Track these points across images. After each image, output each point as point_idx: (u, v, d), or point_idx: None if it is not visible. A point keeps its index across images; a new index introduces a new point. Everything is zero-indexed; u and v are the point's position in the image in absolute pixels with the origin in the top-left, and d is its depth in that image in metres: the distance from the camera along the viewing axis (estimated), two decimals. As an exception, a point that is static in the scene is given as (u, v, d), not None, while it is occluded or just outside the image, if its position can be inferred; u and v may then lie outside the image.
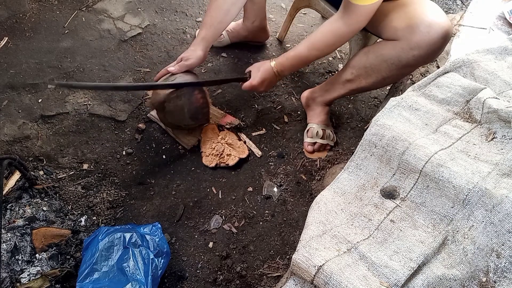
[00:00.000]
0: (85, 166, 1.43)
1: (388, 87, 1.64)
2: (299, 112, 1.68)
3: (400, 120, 0.94)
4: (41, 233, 1.13)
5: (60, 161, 1.43)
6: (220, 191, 1.44)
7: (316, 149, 1.55)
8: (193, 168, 1.48)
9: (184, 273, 1.25)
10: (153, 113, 1.56)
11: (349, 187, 0.93)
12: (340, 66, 1.90)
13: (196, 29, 1.89)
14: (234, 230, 1.35)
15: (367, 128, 0.96)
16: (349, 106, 1.76)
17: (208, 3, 1.35)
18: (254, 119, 1.64)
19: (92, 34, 1.82)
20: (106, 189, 1.38)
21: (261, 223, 1.38)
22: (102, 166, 1.44)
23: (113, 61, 1.74)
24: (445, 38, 1.13)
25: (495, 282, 0.70)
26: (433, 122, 0.95)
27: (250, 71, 1.44)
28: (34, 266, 1.08)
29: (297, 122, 1.65)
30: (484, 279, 0.72)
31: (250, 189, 1.45)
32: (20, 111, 1.52)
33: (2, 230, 1.05)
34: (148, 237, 1.13)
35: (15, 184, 1.20)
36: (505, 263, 0.70)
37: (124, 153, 1.49)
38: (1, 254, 0.98)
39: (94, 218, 1.31)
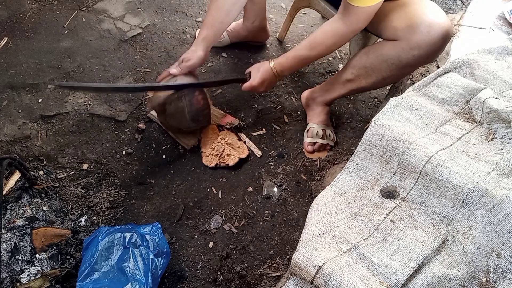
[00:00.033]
0: (85, 166, 1.43)
1: (388, 87, 1.64)
2: (299, 112, 1.68)
3: (400, 120, 0.94)
4: (41, 233, 1.13)
5: (60, 161, 1.43)
6: (220, 191, 1.44)
7: (316, 149, 1.55)
8: (193, 168, 1.48)
9: (184, 273, 1.25)
10: (153, 112, 1.56)
11: (349, 187, 0.93)
12: (340, 66, 1.90)
13: (196, 29, 1.89)
14: (234, 230, 1.35)
15: (367, 128, 0.96)
16: (349, 106, 1.76)
17: (209, 4, 1.35)
18: (254, 119, 1.64)
19: (92, 34, 1.82)
20: (106, 189, 1.38)
21: (261, 223, 1.38)
22: (102, 166, 1.44)
23: (113, 61, 1.74)
24: (445, 38, 1.13)
25: (495, 282, 0.70)
26: (433, 122, 0.95)
27: (250, 72, 1.44)
28: (34, 266, 1.08)
29: (297, 122, 1.65)
30: (484, 279, 0.72)
31: (250, 189, 1.45)
32: (20, 111, 1.52)
33: (2, 230, 1.05)
34: (148, 237, 1.13)
35: (15, 184, 1.20)
36: (505, 263, 0.70)
37: (124, 153, 1.49)
38: (1, 254, 0.98)
39: (94, 218, 1.31)
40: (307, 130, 1.57)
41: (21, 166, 1.17)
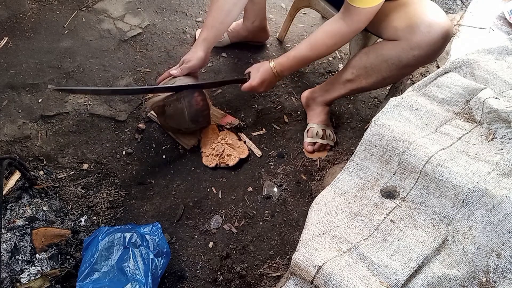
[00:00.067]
0: (85, 166, 1.43)
1: (388, 87, 1.64)
2: (299, 112, 1.68)
3: (400, 120, 0.94)
4: (41, 233, 1.13)
5: (60, 161, 1.43)
6: (220, 191, 1.44)
7: (316, 149, 1.55)
8: (193, 168, 1.48)
9: (184, 273, 1.25)
10: (153, 112, 1.56)
11: (349, 187, 0.93)
12: (340, 66, 1.90)
13: (196, 29, 1.89)
14: (234, 230, 1.35)
15: (367, 128, 0.96)
16: (349, 106, 1.76)
17: (209, 4, 1.35)
18: (254, 119, 1.64)
19: (92, 34, 1.82)
20: (106, 189, 1.38)
21: (261, 223, 1.38)
22: (102, 166, 1.44)
23: (113, 61, 1.74)
24: (446, 38, 1.13)
25: (495, 282, 0.70)
26: (433, 122, 0.95)
27: (250, 72, 1.44)
28: (34, 266, 1.08)
29: (297, 122, 1.65)
30: (484, 279, 0.72)
31: (250, 189, 1.45)
32: (20, 111, 1.52)
33: (2, 230, 1.05)
34: (148, 237, 1.13)
35: (15, 184, 1.20)
36: (505, 263, 0.70)
37: (124, 153, 1.49)
38: (1, 254, 0.98)
39: (94, 218, 1.31)
40: (307, 130, 1.57)
41: (21, 166, 1.17)
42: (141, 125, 1.56)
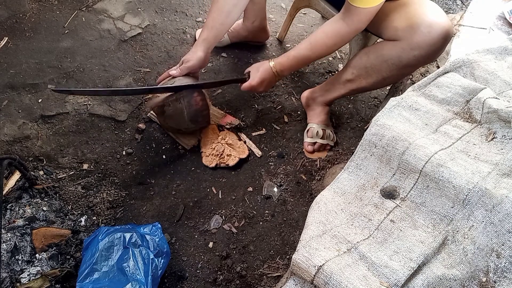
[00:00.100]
0: (85, 166, 1.43)
1: (388, 87, 1.64)
2: (299, 112, 1.68)
3: (400, 120, 0.94)
4: (41, 233, 1.13)
5: (60, 161, 1.43)
6: (220, 191, 1.44)
7: (316, 149, 1.55)
8: (193, 168, 1.48)
9: (184, 273, 1.25)
10: (153, 112, 1.56)
11: (349, 187, 0.93)
12: (340, 66, 1.90)
13: (196, 29, 1.89)
14: (234, 230, 1.35)
15: (367, 128, 0.96)
16: (349, 106, 1.76)
17: (210, 5, 1.35)
18: (254, 119, 1.64)
19: (92, 34, 1.82)
20: (106, 189, 1.38)
21: (261, 223, 1.38)
22: (102, 166, 1.44)
23: (113, 61, 1.74)
24: (446, 38, 1.13)
25: (495, 282, 0.70)
26: (433, 122, 0.95)
27: (249, 72, 1.44)
28: (34, 266, 1.08)
29: (297, 122, 1.65)
30: (484, 279, 0.72)
31: (250, 189, 1.45)
32: (20, 111, 1.52)
33: (2, 230, 1.05)
34: (148, 237, 1.13)
35: (15, 184, 1.20)
36: (505, 263, 0.70)
37: (124, 153, 1.49)
38: (1, 254, 0.98)
39: (94, 218, 1.31)
40: (307, 130, 1.57)
41: (21, 166, 1.17)
42: (141, 125, 1.56)
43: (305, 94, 1.61)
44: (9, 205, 1.17)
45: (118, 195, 1.38)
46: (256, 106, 1.68)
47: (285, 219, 1.39)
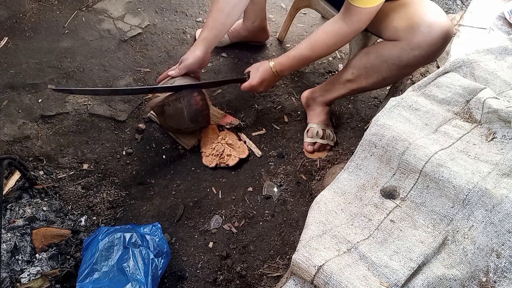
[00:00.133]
0: (85, 166, 1.43)
1: (388, 87, 1.64)
2: (299, 112, 1.68)
3: (400, 120, 0.94)
4: (41, 233, 1.13)
5: (60, 161, 1.43)
6: (220, 191, 1.44)
7: (316, 149, 1.55)
8: (193, 168, 1.48)
9: (184, 273, 1.25)
10: (153, 112, 1.56)
11: (349, 187, 0.93)
12: (340, 66, 1.90)
13: (196, 29, 1.89)
14: (234, 230, 1.35)
15: (367, 128, 0.96)
16: (349, 106, 1.76)
17: (210, 5, 1.35)
18: (254, 119, 1.64)
19: (92, 34, 1.82)
20: (106, 189, 1.38)
21: (261, 223, 1.38)
22: (102, 166, 1.44)
23: (113, 61, 1.74)
24: (446, 38, 1.13)
25: (495, 282, 0.70)
26: (433, 122, 0.95)
27: (249, 72, 1.44)
28: (34, 266, 1.08)
29: (297, 122, 1.65)
30: (484, 279, 0.72)
31: (250, 189, 1.45)
32: (20, 111, 1.52)
33: (2, 230, 1.05)
34: (148, 237, 1.13)
35: (15, 184, 1.20)
36: (505, 263, 0.70)
37: (124, 153, 1.49)
38: (1, 254, 0.98)
39: (94, 218, 1.31)
40: (307, 130, 1.57)
41: (21, 166, 1.17)
42: (141, 125, 1.56)
43: (305, 94, 1.61)
44: (9, 205, 1.17)
45: (118, 195, 1.38)
46: (256, 106, 1.68)
47: (285, 219, 1.39)
